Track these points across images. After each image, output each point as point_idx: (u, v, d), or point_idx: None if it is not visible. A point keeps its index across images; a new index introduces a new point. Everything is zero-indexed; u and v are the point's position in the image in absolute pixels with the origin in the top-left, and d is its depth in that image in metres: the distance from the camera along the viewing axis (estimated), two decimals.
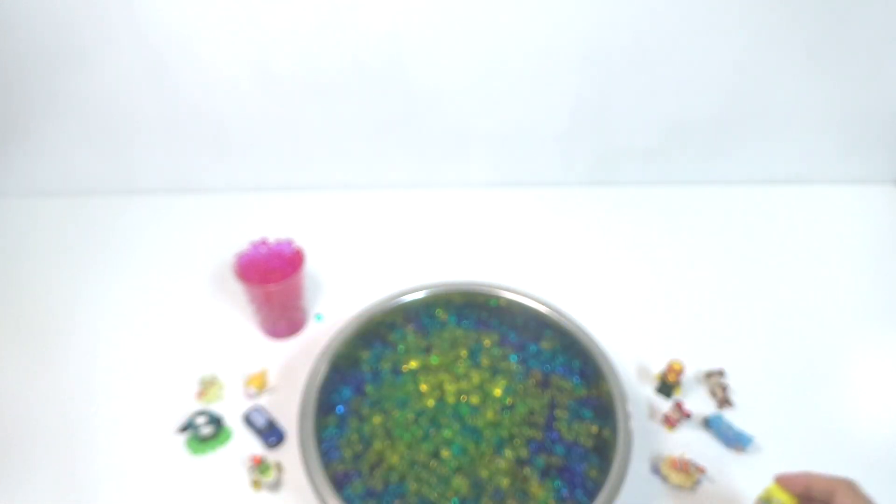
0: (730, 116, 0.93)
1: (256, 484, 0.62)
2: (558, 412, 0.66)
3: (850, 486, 0.51)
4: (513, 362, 0.71)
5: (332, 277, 0.84)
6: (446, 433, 0.63)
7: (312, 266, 0.81)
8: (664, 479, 0.63)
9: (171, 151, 0.94)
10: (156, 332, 0.77)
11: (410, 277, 0.75)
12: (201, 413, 0.65)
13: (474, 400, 0.67)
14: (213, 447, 0.65)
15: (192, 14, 0.78)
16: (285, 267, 0.73)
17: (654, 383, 0.72)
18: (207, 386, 0.70)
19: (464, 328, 0.74)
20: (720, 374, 0.70)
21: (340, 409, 0.66)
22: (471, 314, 0.75)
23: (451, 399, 0.67)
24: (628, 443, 0.59)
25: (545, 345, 0.72)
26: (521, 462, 0.62)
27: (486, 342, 0.72)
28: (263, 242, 0.75)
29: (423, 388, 0.68)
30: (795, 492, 0.52)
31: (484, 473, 0.61)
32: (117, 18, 0.78)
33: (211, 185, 0.99)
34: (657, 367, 0.73)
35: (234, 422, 0.68)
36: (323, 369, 0.65)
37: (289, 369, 0.73)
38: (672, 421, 0.67)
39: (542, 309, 0.71)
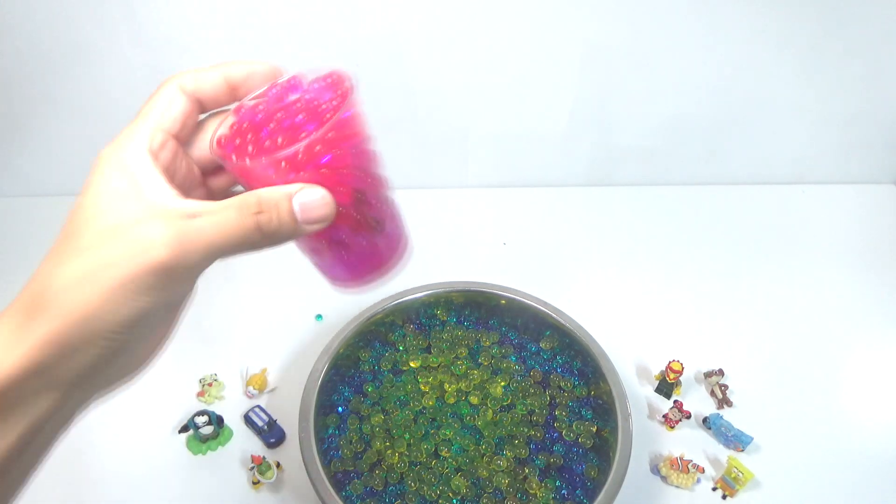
0: (730, 116, 0.93)
1: (256, 484, 0.62)
2: (558, 412, 0.66)
3: None
4: (513, 362, 0.71)
5: None
6: (446, 433, 0.63)
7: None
8: (664, 479, 0.63)
9: None
10: None
11: (410, 277, 0.74)
12: (201, 413, 0.65)
13: (474, 400, 0.67)
14: (214, 447, 0.65)
15: (191, 14, 0.78)
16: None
17: (654, 383, 0.72)
18: (207, 386, 0.70)
19: (464, 328, 0.74)
20: (719, 374, 0.70)
21: (340, 409, 0.67)
22: (471, 314, 0.75)
23: (451, 399, 0.67)
24: (628, 443, 0.59)
25: (545, 344, 0.72)
26: (521, 462, 0.62)
27: (486, 342, 0.72)
28: (293, 84, 0.36)
29: (424, 387, 0.68)
30: None
31: (484, 473, 0.61)
32: (117, 18, 0.78)
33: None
34: (657, 367, 0.73)
35: (234, 422, 0.68)
36: (323, 369, 0.65)
37: (289, 369, 0.73)
38: (671, 421, 0.67)
39: (542, 309, 0.71)
